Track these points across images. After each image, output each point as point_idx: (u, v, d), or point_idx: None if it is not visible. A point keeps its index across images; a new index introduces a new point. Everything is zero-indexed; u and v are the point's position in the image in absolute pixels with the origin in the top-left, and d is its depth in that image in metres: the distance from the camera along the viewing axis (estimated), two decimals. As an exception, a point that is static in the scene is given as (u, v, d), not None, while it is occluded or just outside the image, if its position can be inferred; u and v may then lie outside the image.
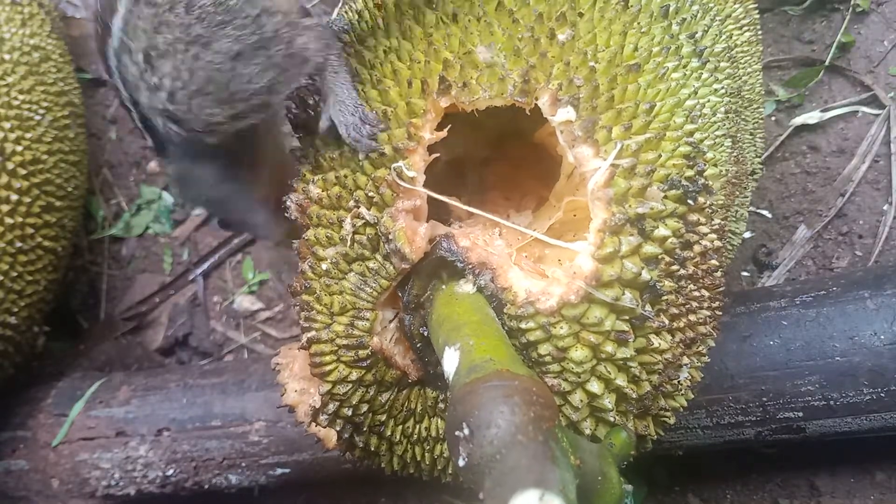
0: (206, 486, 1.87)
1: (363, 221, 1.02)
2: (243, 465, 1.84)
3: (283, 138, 1.20)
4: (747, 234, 1.97)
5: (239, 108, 0.96)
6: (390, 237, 0.99)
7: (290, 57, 0.97)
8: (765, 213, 1.98)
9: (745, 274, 1.96)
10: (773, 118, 2.04)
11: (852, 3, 1.98)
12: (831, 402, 1.47)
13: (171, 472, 1.86)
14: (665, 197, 0.97)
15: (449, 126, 1.04)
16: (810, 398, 1.48)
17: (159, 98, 0.94)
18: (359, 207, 1.02)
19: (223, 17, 0.90)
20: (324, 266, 1.06)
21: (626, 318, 0.95)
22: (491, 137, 1.30)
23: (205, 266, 2.38)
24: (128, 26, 0.92)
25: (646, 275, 0.94)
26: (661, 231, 0.97)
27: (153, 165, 2.50)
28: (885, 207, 1.86)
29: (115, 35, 0.93)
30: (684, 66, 1.06)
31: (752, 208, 1.97)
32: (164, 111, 0.95)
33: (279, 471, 1.84)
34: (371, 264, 1.03)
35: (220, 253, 2.37)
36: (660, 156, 0.98)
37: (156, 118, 0.97)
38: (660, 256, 0.97)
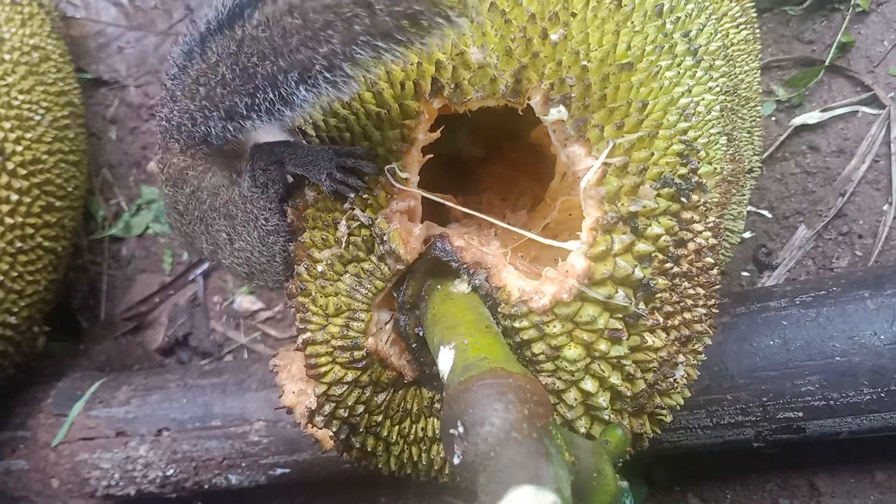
0: (206, 486, 1.87)
1: (358, 223, 1.03)
2: (243, 465, 1.84)
3: None
4: (747, 234, 1.96)
5: None
6: (385, 238, 1.00)
7: None
8: (765, 212, 1.98)
9: (745, 274, 1.96)
10: (773, 118, 2.04)
11: (852, 3, 1.98)
12: (831, 402, 1.46)
13: (171, 472, 1.86)
14: (658, 195, 0.97)
15: (442, 127, 1.04)
16: (810, 398, 1.47)
17: None
18: (353, 209, 1.03)
19: None
20: (319, 268, 1.07)
21: (620, 316, 0.95)
22: (488, 137, 1.30)
23: (205, 266, 2.38)
24: None
25: (639, 273, 0.94)
26: (654, 229, 0.96)
27: (153, 165, 2.51)
28: (885, 207, 1.85)
29: None
30: (678, 65, 1.06)
31: (751, 208, 1.97)
32: None
33: (279, 471, 1.84)
34: (366, 266, 1.03)
35: (220, 253, 2.37)
36: (652, 154, 0.98)
37: None
38: (653, 254, 0.97)
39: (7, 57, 1.89)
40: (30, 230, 1.88)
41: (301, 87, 0.86)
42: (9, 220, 1.80)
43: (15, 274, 1.85)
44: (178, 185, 1.20)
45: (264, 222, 1.13)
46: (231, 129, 0.97)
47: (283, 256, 1.17)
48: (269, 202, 1.12)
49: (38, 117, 1.92)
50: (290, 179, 1.12)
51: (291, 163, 1.06)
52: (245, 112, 0.93)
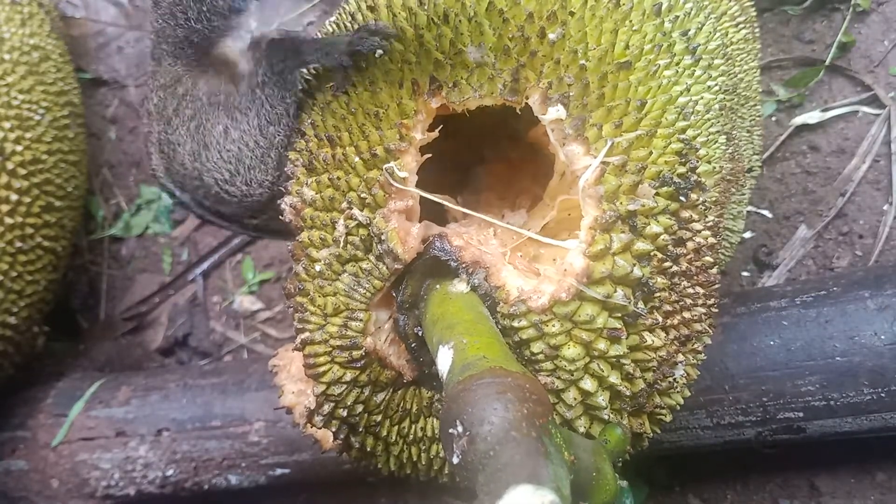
0: (206, 487, 1.87)
1: (356, 222, 1.02)
2: (243, 465, 1.84)
3: None
4: (747, 234, 1.96)
5: None
6: (383, 238, 0.99)
7: None
8: (765, 212, 1.98)
9: (745, 274, 1.96)
10: (773, 118, 2.03)
11: (852, 2, 1.97)
12: (832, 403, 1.46)
13: (170, 472, 1.86)
14: (657, 194, 0.97)
15: (441, 126, 1.04)
16: (811, 398, 1.47)
17: None
18: (351, 209, 1.02)
19: None
20: (317, 268, 1.06)
21: (619, 315, 0.95)
22: (486, 137, 1.30)
23: (204, 266, 2.39)
24: None
25: (638, 272, 0.94)
26: (653, 228, 0.96)
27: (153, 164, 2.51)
28: (885, 207, 1.85)
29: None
30: (677, 64, 1.06)
31: (752, 208, 1.96)
32: None
33: (279, 471, 1.84)
34: (364, 265, 1.03)
35: (219, 253, 2.38)
36: (651, 153, 0.97)
37: None
38: (652, 253, 0.96)
39: (7, 57, 1.89)
40: (30, 230, 1.88)
41: None
42: (9, 220, 1.81)
43: (15, 274, 1.85)
44: (169, 89, 1.23)
45: (269, 108, 1.15)
46: (205, 10, 1.09)
47: (278, 152, 1.18)
48: (283, 88, 1.14)
49: (37, 117, 1.92)
50: (305, 75, 1.15)
51: (307, 51, 1.09)
52: None
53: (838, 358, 1.45)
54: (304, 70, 1.17)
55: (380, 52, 1.04)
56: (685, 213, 1.01)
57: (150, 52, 1.25)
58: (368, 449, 1.15)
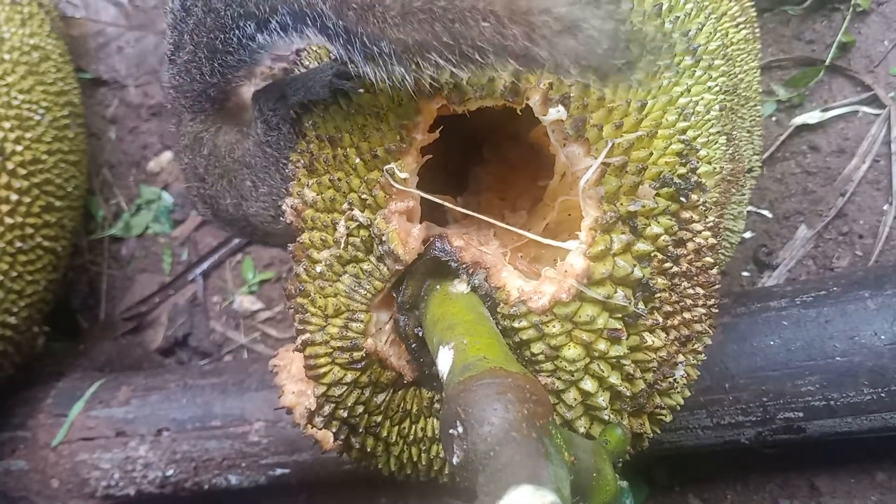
0: (206, 487, 1.87)
1: (357, 224, 1.02)
2: (243, 465, 1.84)
3: None
4: (747, 234, 1.96)
5: None
6: (383, 239, 0.99)
7: None
8: (765, 212, 1.98)
9: (745, 274, 1.96)
10: (773, 118, 2.04)
11: (852, 2, 1.97)
12: (832, 403, 1.46)
13: (170, 472, 1.86)
14: (657, 194, 0.97)
15: (441, 127, 1.04)
16: (811, 398, 1.47)
17: None
18: (352, 210, 1.02)
19: None
20: (318, 269, 1.06)
21: (619, 315, 0.95)
22: (486, 138, 1.30)
23: (204, 266, 2.39)
24: None
25: (638, 272, 0.94)
26: (654, 228, 0.96)
27: (153, 165, 2.51)
28: (885, 207, 1.85)
29: None
30: (677, 64, 1.06)
31: (752, 208, 1.96)
32: None
33: (279, 471, 1.84)
34: (365, 266, 1.03)
35: (219, 253, 2.38)
36: (651, 153, 0.97)
37: None
38: (652, 254, 0.97)
39: (7, 57, 1.89)
40: (30, 230, 1.88)
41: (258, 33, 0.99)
42: (9, 220, 1.81)
43: (15, 274, 1.85)
44: (195, 150, 1.26)
45: (285, 161, 1.17)
46: (218, 66, 1.09)
47: None
48: (287, 141, 1.16)
49: (37, 117, 1.92)
50: (293, 115, 1.15)
51: (291, 91, 1.11)
52: (222, 46, 1.05)
53: (838, 358, 1.45)
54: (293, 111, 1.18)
55: (360, 90, 1.04)
56: (685, 214, 1.01)
57: (170, 109, 1.28)
58: (369, 449, 1.15)
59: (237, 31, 1.01)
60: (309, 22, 0.92)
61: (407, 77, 0.86)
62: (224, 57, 1.07)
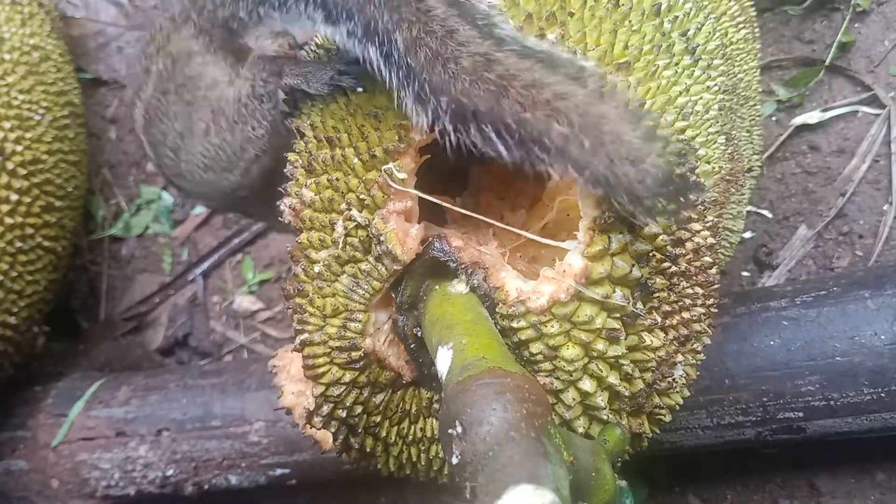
0: (206, 487, 1.88)
1: (355, 224, 1.02)
2: (243, 465, 1.84)
3: None
4: (747, 234, 1.96)
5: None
6: (381, 239, 0.99)
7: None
8: (765, 212, 1.98)
9: (745, 274, 1.96)
10: (773, 118, 2.03)
11: (852, 2, 1.97)
12: (832, 403, 1.46)
13: (170, 472, 1.87)
14: (656, 194, 0.97)
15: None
16: (811, 398, 1.47)
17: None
18: (350, 210, 1.02)
19: None
20: (316, 269, 1.06)
21: (618, 315, 0.95)
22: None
23: (204, 266, 2.39)
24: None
25: (636, 272, 0.94)
26: (652, 228, 0.96)
27: (153, 165, 2.51)
28: (885, 207, 1.85)
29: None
30: (676, 64, 1.06)
31: (752, 208, 1.96)
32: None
33: (279, 471, 1.84)
34: (363, 266, 1.03)
35: (219, 253, 2.38)
36: (650, 153, 0.97)
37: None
38: (650, 253, 0.96)
39: (7, 57, 1.89)
40: (30, 230, 1.88)
41: None
42: (9, 220, 1.81)
43: (15, 274, 1.85)
44: (178, 64, 1.26)
45: (251, 130, 1.19)
46: (258, 8, 1.09)
47: (257, 166, 1.26)
48: (262, 116, 1.17)
49: (38, 117, 1.92)
50: (283, 96, 1.16)
51: (290, 73, 1.11)
52: (278, 3, 1.05)
53: (838, 358, 1.45)
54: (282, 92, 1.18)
55: (360, 89, 1.05)
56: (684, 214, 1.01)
57: (169, 12, 1.29)
58: (368, 450, 1.15)
59: (304, 6, 1.00)
60: (377, 42, 0.92)
61: (450, 136, 0.85)
62: (271, 5, 1.07)
